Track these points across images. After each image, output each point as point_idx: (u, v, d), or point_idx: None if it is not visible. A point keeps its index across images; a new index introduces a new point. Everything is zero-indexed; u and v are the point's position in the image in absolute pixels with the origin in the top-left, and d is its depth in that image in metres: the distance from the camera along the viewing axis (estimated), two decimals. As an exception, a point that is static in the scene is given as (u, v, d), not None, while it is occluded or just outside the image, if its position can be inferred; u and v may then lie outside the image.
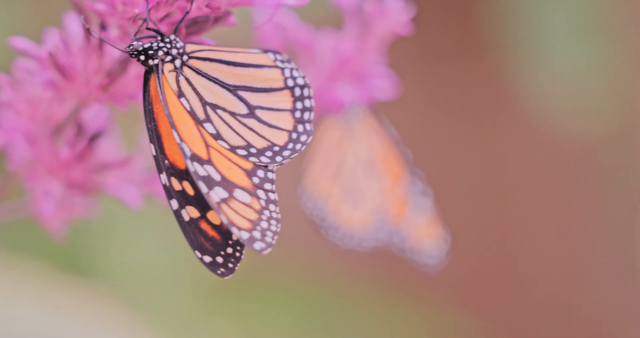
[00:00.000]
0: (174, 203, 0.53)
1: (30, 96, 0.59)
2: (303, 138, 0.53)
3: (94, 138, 0.59)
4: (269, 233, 0.53)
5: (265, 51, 0.53)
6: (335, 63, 0.60)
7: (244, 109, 0.53)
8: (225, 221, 0.52)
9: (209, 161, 0.53)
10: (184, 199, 0.53)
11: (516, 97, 1.53)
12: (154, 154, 0.52)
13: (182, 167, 0.53)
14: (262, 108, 0.54)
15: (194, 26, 0.54)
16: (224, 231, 0.54)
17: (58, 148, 0.59)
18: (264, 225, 0.53)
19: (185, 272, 1.32)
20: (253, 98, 0.54)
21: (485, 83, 1.89)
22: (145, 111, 0.52)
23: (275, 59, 0.53)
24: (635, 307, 1.86)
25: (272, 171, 0.54)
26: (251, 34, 0.62)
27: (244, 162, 0.54)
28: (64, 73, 0.56)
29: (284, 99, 0.53)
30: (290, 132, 0.53)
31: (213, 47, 0.53)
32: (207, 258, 0.54)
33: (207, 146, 0.53)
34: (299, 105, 0.53)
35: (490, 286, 1.98)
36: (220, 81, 0.53)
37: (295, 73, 0.52)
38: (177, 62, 0.53)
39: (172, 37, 0.53)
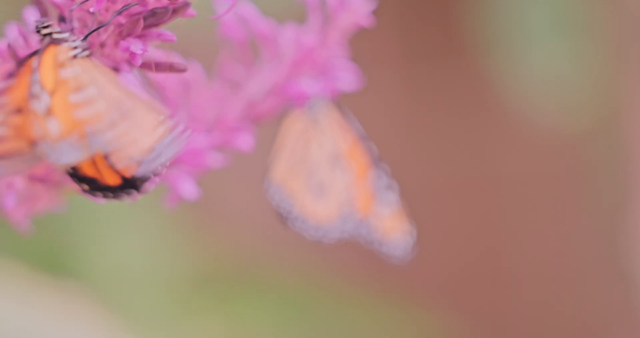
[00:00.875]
0: None
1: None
2: None
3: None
4: None
5: None
6: (298, 56, 0.60)
7: None
8: None
9: None
10: None
11: (499, 95, 1.53)
12: None
13: None
14: None
15: (153, 18, 0.53)
16: None
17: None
18: None
19: (166, 272, 1.32)
20: None
21: (468, 82, 1.89)
22: None
23: None
24: (621, 306, 1.85)
25: None
26: (213, 27, 0.62)
27: None
28: (23, 65, 0.56)
29: None
30: None
31: None
32: None
33: None
34: None
35: (478, 285, 1.97)
36: None
37: None
38: None
39: None
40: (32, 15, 0.58)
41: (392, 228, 0.71)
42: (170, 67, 0.54)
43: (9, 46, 0.56)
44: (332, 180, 0.69)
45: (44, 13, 0.56)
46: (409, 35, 1.91)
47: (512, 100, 1.48)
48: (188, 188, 0.61)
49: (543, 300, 1.94)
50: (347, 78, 0.60)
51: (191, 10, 0.54)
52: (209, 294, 1.37)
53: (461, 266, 1.97)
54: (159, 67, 0.55)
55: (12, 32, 0.57)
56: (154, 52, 0.55)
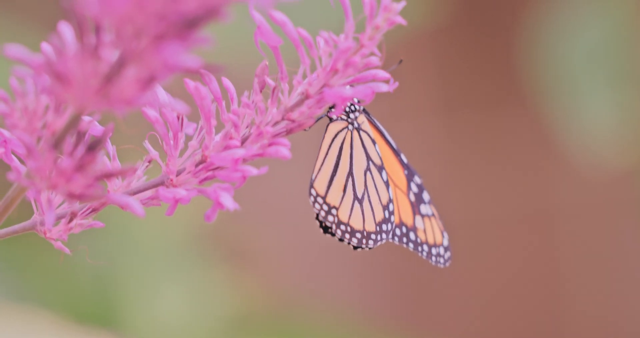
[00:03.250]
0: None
1: (26, 105, 0.58)
2: None
3: (94, 145, 0.58)
4: None
5: None
6: (336, 60, 0.59)
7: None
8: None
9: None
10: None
11: (552, 139, 1.59)
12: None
13: None
14: None
15: (190, 22, 0.53)
16: None
17: (57, 158, 0.58)
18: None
19: (203, 319, 1.31)
20: None
21: (522, 129, 1.92)
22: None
23: None
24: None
25: None
26: (249, 36, 0.62)
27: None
28: (60, 78, 0.56)
29: None
30: None
31: None
32: None
33: None
34: None
35: (535, 322, 1.96)
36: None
37: None
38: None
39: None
40: (66, 29, 0.57)
41: (430, 237, 0.70)
42: (206, 72, 0.54)
43: (46, 60, 0.55)
44: (372, 188, 0.69)
45: (79, 27, 0.56)
46: (452, 85, 1.95)
47: (565, 141, 1.56)
48: (227, 201, 0.60)
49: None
50: (384, 85, 0.59)
51: (227, 16, 0.54)
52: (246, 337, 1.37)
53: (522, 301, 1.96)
54: (196, 72, 0.55)
55: (48, 46, 0.57)
56: (190, 58, 0.55)
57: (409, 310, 2.03)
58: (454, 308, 2.04)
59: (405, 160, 0.73)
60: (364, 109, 0.71)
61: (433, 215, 0.73)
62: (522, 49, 1.63)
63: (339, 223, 0.70)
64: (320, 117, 0.70)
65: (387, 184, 0.70)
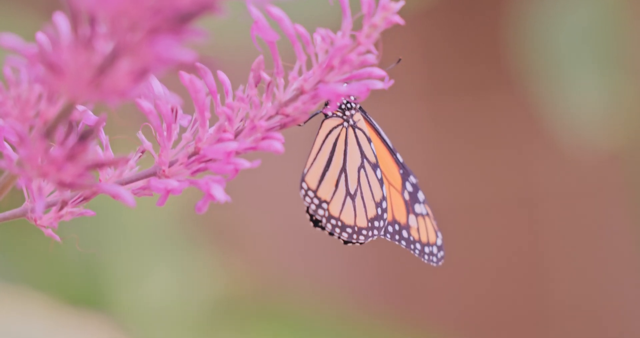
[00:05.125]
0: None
1: (20, 94, 0.58)
2: None
3: (86, 135, 0.58)
4: None
5: None
6: (332, 57, 0.59)
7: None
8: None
9: None
10: None
11: (538, 123, 1.59)
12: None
13: None
14: None
15: (184, 16, 0.53)
16: None
17: (49, 147, 0.58)
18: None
19: (189, 302, 1.32)
20: None
21: (508, 113, 1.91)
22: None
23: None
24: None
25: None
26: (246, 31, 0.61)
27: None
28: (53, 69, 0.55)
29: None
30: None
31: None
32: None
33: None
34: None
35: (518, 308, 1.96)
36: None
37: None
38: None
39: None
40: (61, 20, 0.57)
41: (423, 235, 0.70)
42: (201, 65, 0.54)
43: (39, 50, 0.55)
44: (365, 184, 0.69)
45: (74, 18, 0.56)
46: (437, 70, 1.94)
47: (551, 125, 1.55)
48: (218, 193, 0.60)
49: (585, 323, 1.93)
50: (379, 82, 0.59)
51: (222, 10, 0.53)
52: (229, 322, 1.37)
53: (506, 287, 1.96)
54: (190, 66, 0.54)
55: (42, 36, 0.57)
56: (184, 52, 0.55)
57: (397, 293, 2.03)
58: (440, 292, 2.04)
59: (400, 159, 0.73)
60: (360, 107, 0.71)
61: (427, 214, 0.73)
62: (509, 32, 1.62)
63: (330, 217, 0.70)
64: (316, 114, 0.70)
65: (381, 182, 0.70)
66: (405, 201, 0.72)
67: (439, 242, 0.73)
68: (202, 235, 1.42)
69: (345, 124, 0.70)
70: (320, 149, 0.70)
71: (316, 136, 0.71)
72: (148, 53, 0.54)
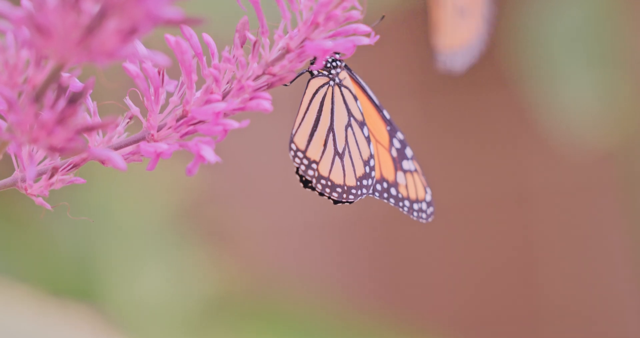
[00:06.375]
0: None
1: (7, 60, 0.58)
2: None
3: (75, 98, 0.58)
4: None
5: None
6: (317, 15, 0.59)
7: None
8: None
9: None
10: None
11: (531, 121, 1.60)
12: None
13: None
14: None
15: None
16: None
17: (38, 112, 0.58)
18: None
19: (182, 297, 1.32)
20: None
21: (501, 110, 1.92)
22: None
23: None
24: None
25: None
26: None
27: None
28: (40, 31, 0.55)
29: None
30: None
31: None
32: None
33: None
34: None
35: (511, 305, 1.96)
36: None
37: None
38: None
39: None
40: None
41: (412, 192, 0.71)
42: (185, 22, 0.54)
43: (26, 13, 0.55)
44: (352, 143, 0.69)
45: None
46: (428, 67, 1.96)
47: (544, 123, 1.57)
48: (208, 153, 0.60)
49: (577, 321, 1.93)
50: (364, 33, 0.60)
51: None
52: (221, 319, 1.37)
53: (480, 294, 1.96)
54: (177, 24, 0.55)
55: (27, 1, 0.57)
56: (172, 10, 0.55)
57: (389, 291, 2.04)
58: (432, 289, 2.04)
59: (388, 116, 0.73)
60: (345, 65, 0.71)
61: (416, 170, 0.73)
62: (502, 29, 1.64)
63: (320, 177, 0.70)
64: (302, 73, 0.71)
65: (368, 139, 0.71)
66: (393, 158, 0.72)
67: (428, 198, 0.74)
68: (195, 233, 1.42)
69: (332, 82, 0.71)
70: (307, 109, 0.70)
71: (303, 95, 0.71)
72: (136, 12, 0.54)
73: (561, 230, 2.02)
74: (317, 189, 0.71)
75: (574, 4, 1.59)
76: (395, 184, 0.72)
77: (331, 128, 0.70)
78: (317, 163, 0.70)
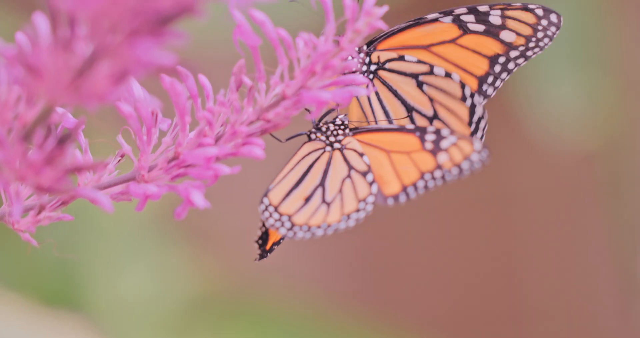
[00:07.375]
0: None
1: (-2, 96, 0.57)
2: None
3: (65, 139, 0.57)
4: None
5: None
6: (315, 63, 0.58)
7: None
8: None
9: None
10: None
11: (515, 118, 1.58)
12: None
13: None
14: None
15: (164, 18, 0.52)
16: None
17: (27, 150, 0.57)
18: None
19: (165, 301, 1.31)
20: None
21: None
22: None
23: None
24: (637, 321, 1.84)
25: None
26: (228, 35, 0.61)
27: None
28: (32, 71, 0.55)
29: None
30: None
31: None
32: None
33: None
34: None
35: (490, 308, 1.95)
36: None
37: None
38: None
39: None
40: (40, 20, 0.56)
41: (457, 157, 0.70)
42: (183, 68, 0.53)
43: (18, 52, 0.55)
44: (348, 189, 0.69)
45: (54, 20, 0.55)
46: None
47: (527, 124, 1.55)
48: (197, 199, 0.59)
49: (559, 321, 1.92)
50: (361, 84, 0.59)
51: (202, 13, 0.53)
52: (204, 320, 1.37)
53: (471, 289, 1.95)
54: (170, 69, 0.54)
55: (21, 37, 0.56)
56: (164, 55, 0.54)
57: (373, 292, 2.03)
58: (415, 291, 2.04)
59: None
60: (349, 128, 0.70)
61: (456, 140, 0.70)
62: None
63: (293, 226, 0.70)
64: (300, 134, 0.70)
65: (372, 183, 0.70)
66: (430, 151, 0.70)
67: (477, 146, 0.72)
68: (177, 234, 1.41)
69: (328, 148, 0.70)
70: (292, 169, 0.70)
71: (292, 156, 0.70)
72: (128, 56, 0.54)
73: (543, 230, 2.01)
74: (296, 237, 0.71)
75: (557, 5, 1.58)
76: (440, 167, 0.71)
77: (321, 185, 0.69)
78: (291, 216, 0.70)
